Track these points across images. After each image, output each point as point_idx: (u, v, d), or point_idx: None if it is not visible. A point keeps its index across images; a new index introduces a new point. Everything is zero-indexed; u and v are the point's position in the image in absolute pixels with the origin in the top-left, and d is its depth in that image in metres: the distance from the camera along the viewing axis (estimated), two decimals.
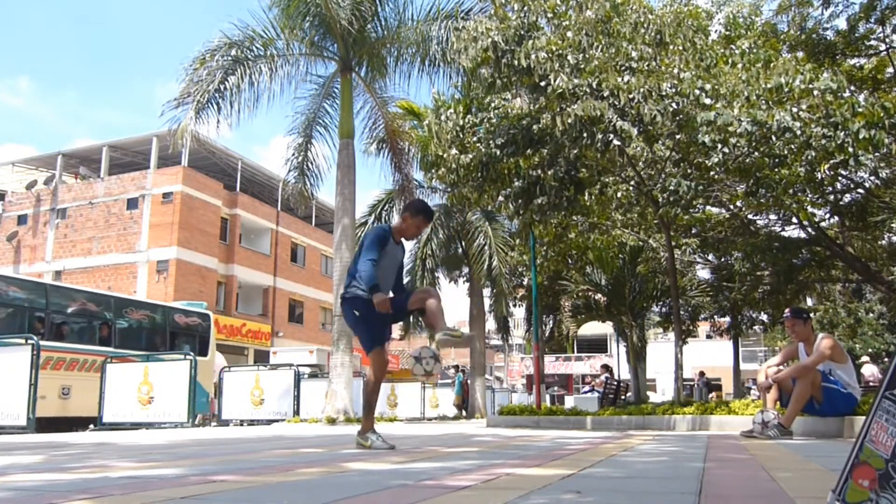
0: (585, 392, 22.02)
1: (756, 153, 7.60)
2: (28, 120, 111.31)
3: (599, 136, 7.41)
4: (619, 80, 7.31)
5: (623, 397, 15.08)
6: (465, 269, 19.97)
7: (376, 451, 4.06)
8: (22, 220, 29.78)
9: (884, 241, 13.74)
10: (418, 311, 4.45)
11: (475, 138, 9.11)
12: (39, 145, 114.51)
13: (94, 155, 29.52)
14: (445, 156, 9.15)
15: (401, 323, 19.39)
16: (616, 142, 7.48)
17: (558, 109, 7.55)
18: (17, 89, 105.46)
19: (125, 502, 1.87)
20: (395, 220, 17.07)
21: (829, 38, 10.72)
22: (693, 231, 13.10)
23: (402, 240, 4.58)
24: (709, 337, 30.11)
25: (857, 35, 10.40)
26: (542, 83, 7.62)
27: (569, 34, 7.71)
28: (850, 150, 6.79)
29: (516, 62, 7.60)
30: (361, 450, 4.18)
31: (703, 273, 17.24)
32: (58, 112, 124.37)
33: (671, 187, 7.68)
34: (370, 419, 4.43)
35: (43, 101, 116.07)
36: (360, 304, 4.25)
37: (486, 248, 17.52)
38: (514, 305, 20.95)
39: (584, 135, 7.45)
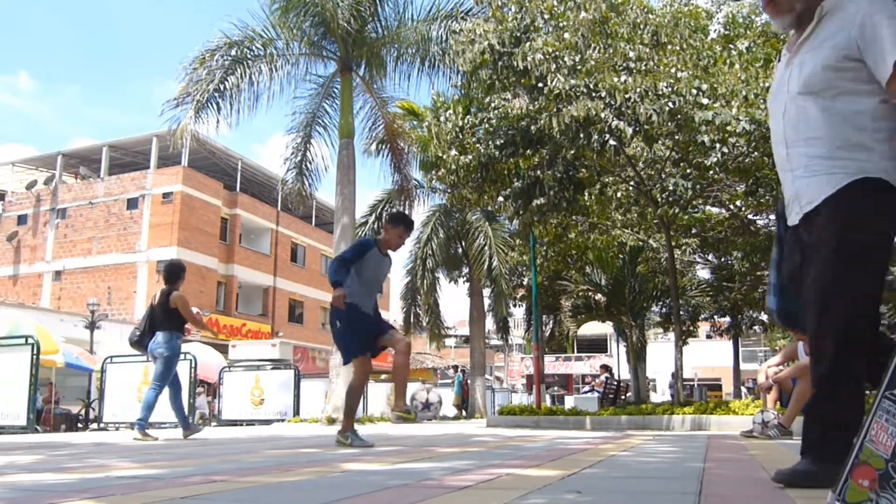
0: (585, 392, 22.01)
1: (755, 153, 7.60)
2: (28, 120, 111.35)
3: (595, 136, 7.41)
4: (616, 80, 7.31)
5: (623, 397, 15.09)
6: (465, 269, 19.96)
7: (362, 449, 4.25)
8: (22, 220, 29.79)
9: None
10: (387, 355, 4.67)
11: (475, 139, 9.10)
12: (39, 145, 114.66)
13: (94, 155, 29.53)
14: (445, 157, 9.14)
15: (401, 324, 19.38)
16: (612, 142, 7.48)
17: (555, 110, 7.55)
18: (17, 88, 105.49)
19: (125, 502, 1.86)
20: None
21: None
22: (693, 231, 13.09)
23: (389, 253, 4.74)
24: (709, 337, 30.09)
25: None
26: (540, 84, 7.61)
27: (566, 35, 7.70)
28: None
29: (514, 63, 7.59)
30: (347, 449, 4.31)
31: (703, 273, 17.24)
32: (58, 111, 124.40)
33: (670, 187, 7.67)
34: (350, 420, 4.69)
35: (43, 100, 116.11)
36: (340, 315, 4.47)
37: (486, 248, 17.51)
38: (514, 305, 20.93)
39: (581, 135, 7.45)
